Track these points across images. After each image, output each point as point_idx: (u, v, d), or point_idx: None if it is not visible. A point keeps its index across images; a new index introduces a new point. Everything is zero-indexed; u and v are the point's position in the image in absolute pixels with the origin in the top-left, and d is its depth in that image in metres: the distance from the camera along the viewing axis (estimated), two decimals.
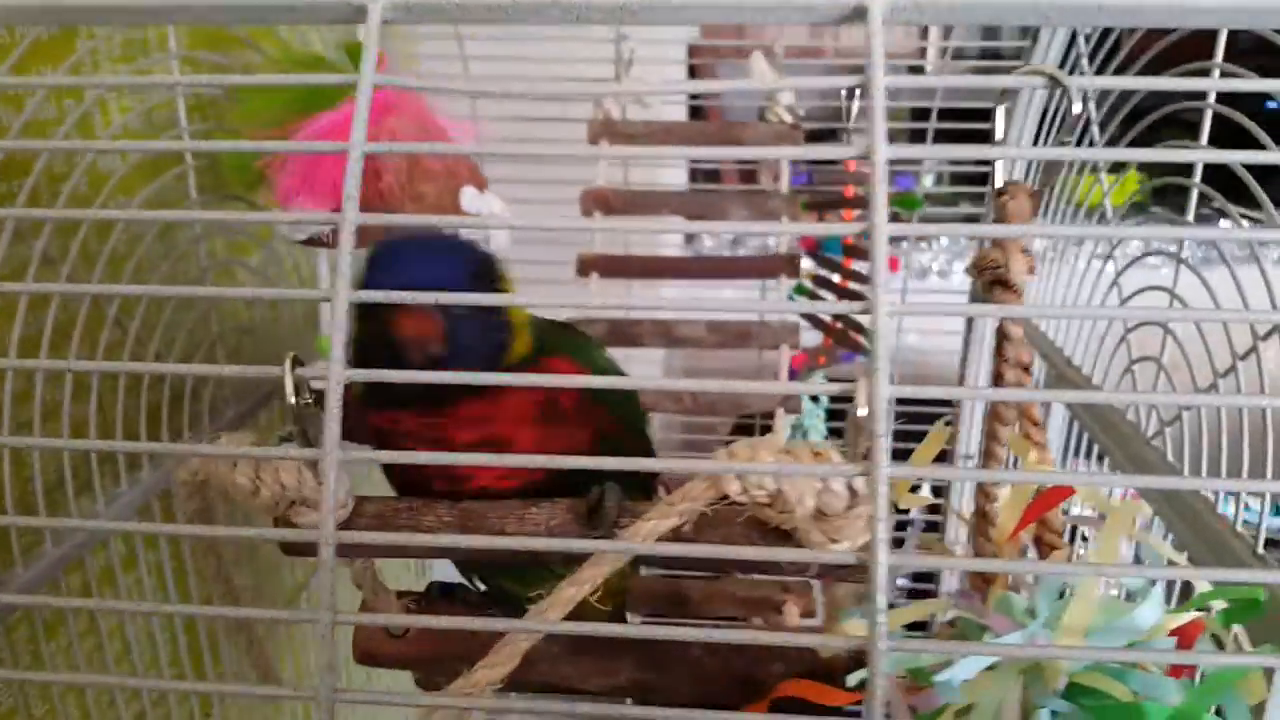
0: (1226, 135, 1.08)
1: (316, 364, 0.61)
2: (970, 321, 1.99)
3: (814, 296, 1.77)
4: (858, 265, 1.80)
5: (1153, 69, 1.27)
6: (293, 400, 0.57)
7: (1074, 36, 1.55)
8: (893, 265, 1.77)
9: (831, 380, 2.02)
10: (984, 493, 0.65)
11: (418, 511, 0.66)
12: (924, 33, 3.25)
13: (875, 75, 0.57)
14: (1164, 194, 1.36)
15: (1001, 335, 0.61)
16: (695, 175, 2.97)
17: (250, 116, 1.20)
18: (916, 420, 2.10)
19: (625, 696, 0.81)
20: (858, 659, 0.69)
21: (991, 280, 0.60)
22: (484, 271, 0.77)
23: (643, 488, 0.84)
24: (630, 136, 1.69)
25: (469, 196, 1.17)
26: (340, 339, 0.55)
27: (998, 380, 0.63)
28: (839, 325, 1.81)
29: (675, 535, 0.61)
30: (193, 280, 1.33)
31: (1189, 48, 1.19)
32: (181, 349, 1.29)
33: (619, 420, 0.83)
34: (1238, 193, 1.08)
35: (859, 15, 0.59)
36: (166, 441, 1.24)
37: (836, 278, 1.77)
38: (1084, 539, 0.81)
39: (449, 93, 0.61)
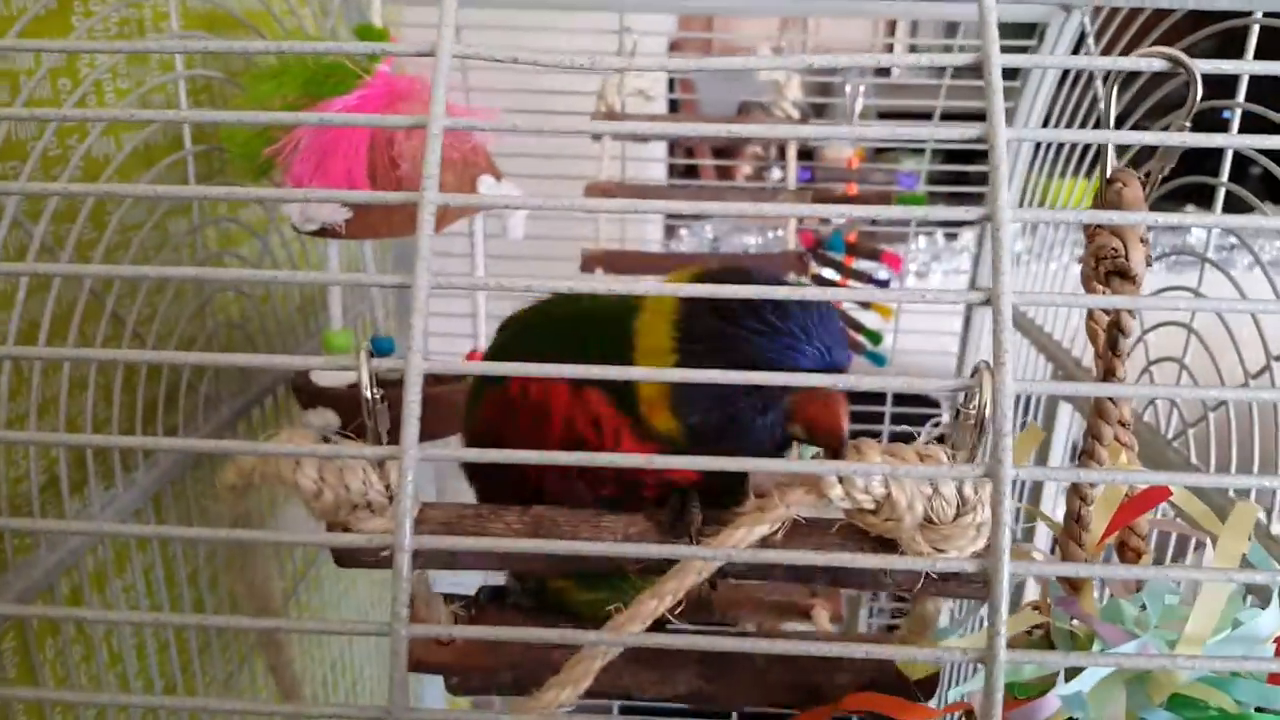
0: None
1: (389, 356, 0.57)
2: (968, 322, 1.97)
3: None
4: (860, 264, 1.78)
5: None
6: (369, 395, 0.52)
7: (1082, 37, 1.53)
8: (895, 264, 1.74)
9: None
10: (1079, 494, 0.62)
11: (485, 519, 0.62)
12: (891, 30, 3.25)
13: (992, 52, 0.53)
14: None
15: (1116, 329, 0.58)
16: (672, 171, 2.95)
17: (258, 102, 1.15)
18: (903, 422, 2.10)
19: (683, 704, 0.77)
20: (933, 676, 0.66)
21: (1110, 270, 0.57)
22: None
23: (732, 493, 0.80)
24: (633, 131, 1.65)
25: (487, 185, 1.13)
26: (421, 325, 0.51)
27: (1109, 376, 0.60)
28: None
29: (763, 544, 0.57)
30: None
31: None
32: (179, 343, 1.23)
33: None
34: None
35: None
36: (173, 435, 1.19)
37: (838, 277, 1.75)
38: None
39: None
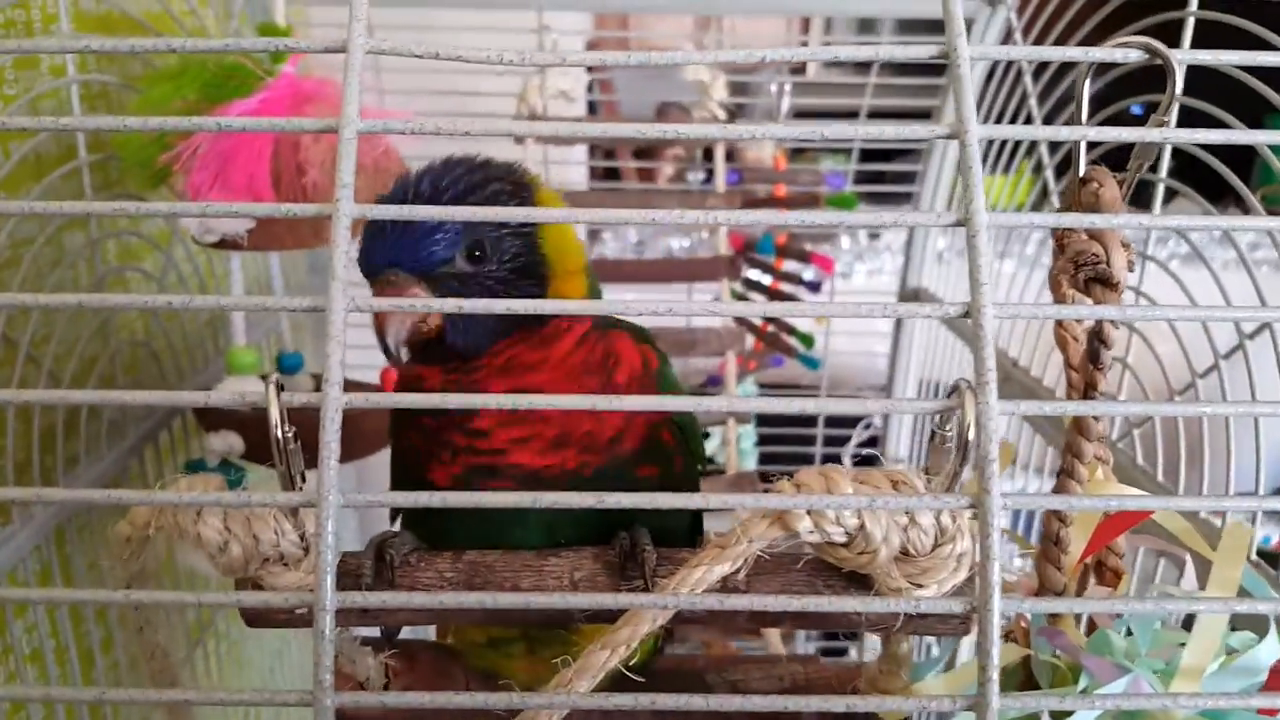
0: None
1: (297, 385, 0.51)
2: (899, 324, 1.95)
3: (742, 299, 1.70)
4: (789, 266, 1.74)
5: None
6: (279, 433, 0.46)
7: (1009, 32, 1.51)
8: (827, 266, 1.70)
9: (763, 387, 1.96)
10: (1057, 516, 0.58)
11: (415, 568, 0.56)
12: (805, 28, 3.25)
13: (960, 45, 0.49)
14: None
15: (1099, 340, 0.54)
16: (593, 174, 2.90)
17: (155, 106, 1.07)
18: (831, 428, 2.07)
19: None
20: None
21: (1091, 277, 0.53)
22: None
23: (689, 529, 0.75)
24: (555, 131, 1.60)
25: None
26: (338, 356, 0.45)
27: (1090, 390, 0.56)
28: (769, 328, 1.74)
29: (724, 584, 0.52)
30: (88, 288, 1.19)
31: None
32: (79, 364, 1.15)
33: (678, 433, 0.75)
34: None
35: None
36: (64, 467, 1.11)
37: (768, 279, 1.71)
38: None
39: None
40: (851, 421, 2.07)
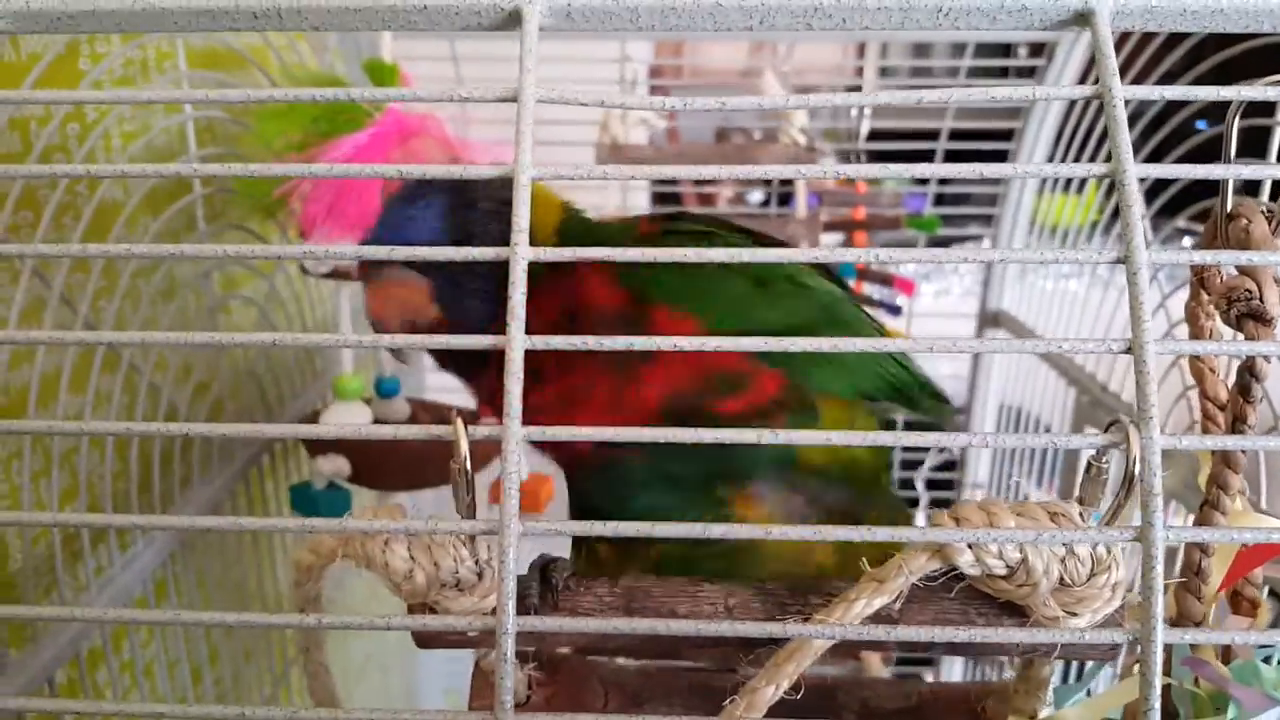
0: None
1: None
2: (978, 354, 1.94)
3: None
4: (870, 290, 1.75)
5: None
6: (466, 466, 0.48)
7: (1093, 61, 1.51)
8: (908, 288, 1.71)
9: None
10: (1199, 547, 0.59)
11: (575, 594, 0.57)
12: (860, 52, 3.24)
13: (1113, 85, 0.50)
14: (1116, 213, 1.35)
15: (1250, 373, 0.55)
16: (654, 200, 2.92)
17: (266, 140, 1.11)
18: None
19: None
20: None
21: (1243, 313, 0.54)
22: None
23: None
24: (639, 160, 1.63)
25: None
26: (517, 390, 0.47)
27: (1238, 423, 0.57)
28: None
29: (877, 614, 0.53)
30: (200, 315, 1.23)
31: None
32: (193, 390, 1.19)
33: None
34: None
35: (1083, 20, 0.53)
36: (188, 487, 1.14)
37: None
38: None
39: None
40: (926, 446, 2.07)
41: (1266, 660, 0.58)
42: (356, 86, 1.11)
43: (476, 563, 0.53)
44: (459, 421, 0.48)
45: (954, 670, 1.82)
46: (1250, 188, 0.64)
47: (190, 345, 0.59)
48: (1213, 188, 0.58)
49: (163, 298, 1.16)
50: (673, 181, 3.30)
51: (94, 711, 0.58)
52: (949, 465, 2.09)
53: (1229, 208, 0.56)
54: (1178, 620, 0.62)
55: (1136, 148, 1.43)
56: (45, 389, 0.93)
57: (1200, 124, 1.23)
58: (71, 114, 1.02)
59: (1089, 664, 0.70)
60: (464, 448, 0.48)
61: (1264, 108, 0.82)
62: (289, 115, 1.13)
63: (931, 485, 2.06)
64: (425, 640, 0.57)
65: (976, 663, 1.68)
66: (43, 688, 0.89)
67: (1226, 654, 0.61)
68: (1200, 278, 0.61)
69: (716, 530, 0.48)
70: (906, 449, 2.04)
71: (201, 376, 1.22)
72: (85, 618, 0.48)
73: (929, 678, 1.87)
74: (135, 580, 1.04)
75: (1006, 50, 1.87)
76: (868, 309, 1.70)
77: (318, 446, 1.23)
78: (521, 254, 0.49)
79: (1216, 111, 0.81)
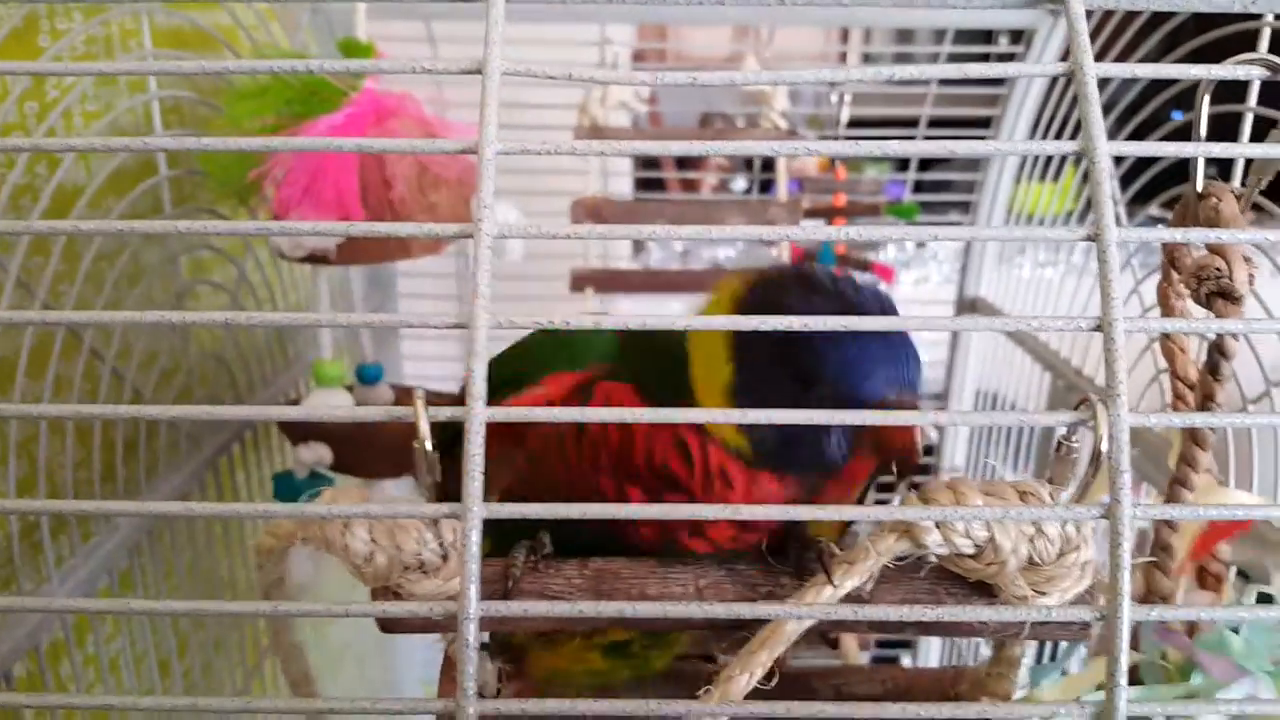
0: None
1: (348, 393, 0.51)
2: (956, 333, 1.94)
3: None
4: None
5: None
6: (429, 447, 0.47)
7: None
8: (887, 275, 1.71)
9: None
10: (1167, 523, 0.59)
11: (544, 575, 0.57)
12: (844, 37, 3.24)
13: (1085, 62, 0.50)
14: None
15: (1219, 352, 0.55)
16: (637, 186, 2.90)
17: (237, 122, 1.09)
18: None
19: None
20: None
21: (1212, 291, 0.54)
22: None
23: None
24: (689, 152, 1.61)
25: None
26: (481, 371, 0.46)
27: (1207, 401, 0.56)
28: None
29: (848, 596, 0.53)
30: (167, 301, 1.21)
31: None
32: (159, 377, 1.17)
33: None
34: None
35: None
36: (155, 477, 1.13)
37: None
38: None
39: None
40: None
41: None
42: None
43: (440, 545, 0.52)
44: (419, 401, 0.47)
45: (931, 656, 1.83)
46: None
47: (151, 325, 0.58)
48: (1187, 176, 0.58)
49: (127, 282, 1.14)
50: (655, 165, 3.30)
51: (49, 705, 0.56)
52: (927, 450, 2.09)
53: (1199, 187, 0.56)
54: (1146, 596, 0.62)
55: (1112, 135, 1.43)
56: (0, 375, 0.91)
57: (1175, 114, 1.24)
58: (30, 91, 1.00)
59: (1062, 645, 0.70)
60: (424, 427, 0.47)
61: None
62: (262, 96, 1.11)
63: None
64: (389, 625, 0.56)
65: (954, 647, 1.68)
66: None
67: (1191, 630, 0.61)
68: (1171, 259, 0.60)
69: (683, 511, 0.47)
70: None
71: (167, 363, 1.21)
72: (30, 607, 0.47)
73: (906, 662, 1.88)
74: (99, 571, 1.02)
75: (988, 37, 1.87)
76: None
77: (299, 435, 1.21)
78: (486, 230, 0.48)
79: (1191, 102, 0.81)
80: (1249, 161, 0.55)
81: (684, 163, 3.15)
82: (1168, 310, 0.61)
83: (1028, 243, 1.79)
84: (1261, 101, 0.89)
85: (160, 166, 1.18)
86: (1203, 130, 0.55)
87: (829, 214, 1.71)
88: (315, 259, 1.09)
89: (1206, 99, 0.54)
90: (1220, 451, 0.99)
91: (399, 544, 0.51)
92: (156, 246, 1.20)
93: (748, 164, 2.88)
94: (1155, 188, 1.28)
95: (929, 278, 3.20)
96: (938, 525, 0.50)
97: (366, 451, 1.19)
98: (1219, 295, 0.54)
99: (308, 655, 0.64)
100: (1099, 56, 1.42)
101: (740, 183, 3.40)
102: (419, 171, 1.08)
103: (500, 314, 0.48)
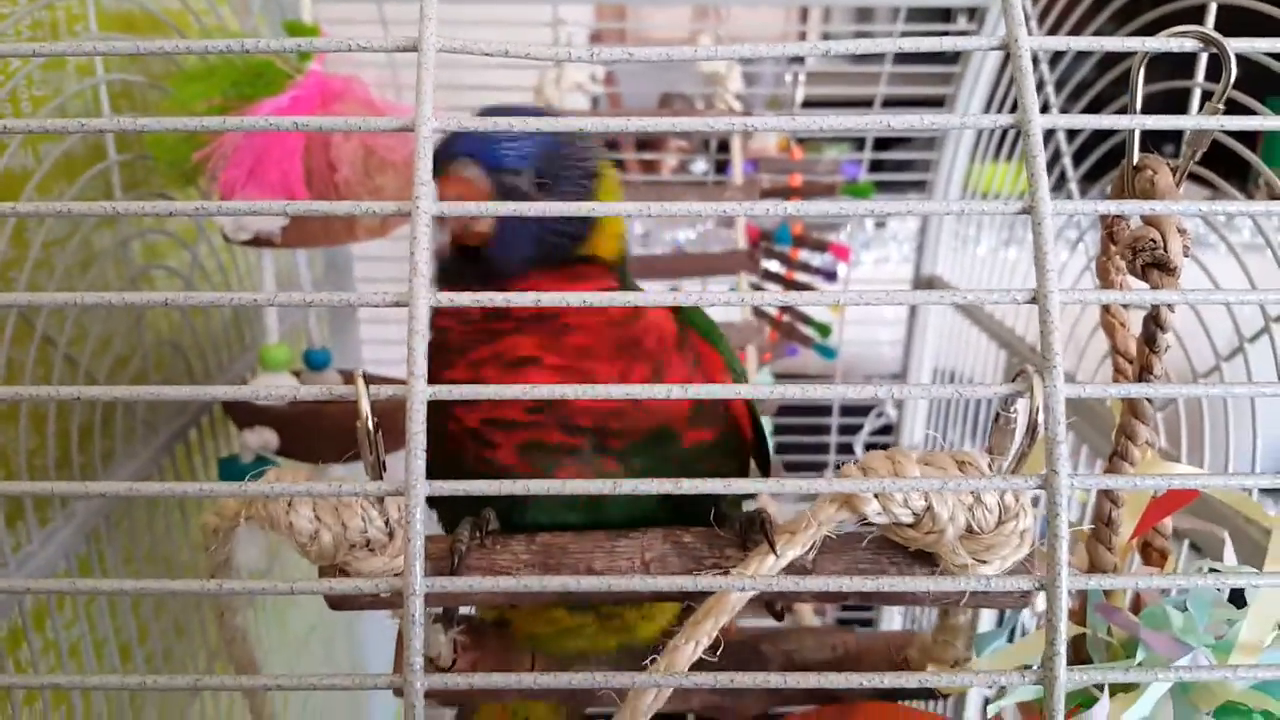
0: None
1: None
2: (914, 312, 1.96)
3: (756, 289, 1.71)
4: (806, 256, 1.76)
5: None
6: (370, 426, 0.47)
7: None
8: (843, 254, 1.72)
9: (777, 377, 1.97)
10: (1109, 497, 0.60)
11: (491, 550, 0.57)
12: (803, 17, 3.24)
13: (1019, 35, 0.50)
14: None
15: (1155, 324, 0.56)
16: None
17: (185, 104, 1.08)
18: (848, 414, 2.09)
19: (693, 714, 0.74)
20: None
21: (1148, 263, 0.55)
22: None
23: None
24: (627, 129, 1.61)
25: None
26: (421, 349, 0.46)
27: (1145, 373, 0.57)
28: (784, 318, 1.76)
29: (790, 566, 0.53)
30: (121, 287, 1.20)
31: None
32: (113, 362, 1.17)
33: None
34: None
35: None
36: (111, 463, 1.12)
37: (784, 269, 1.73)
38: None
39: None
40: (864, 409, 2.08)
41: (1178, 609, 0.59)
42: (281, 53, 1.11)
43: (386, 523, 0.52)
44: (360, 381, 0.47)
45: (895, 619, 1.85)
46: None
47: (93, 305, 0.57)
48: None
49: (79, 268, 1.13)
50: (615, 147, 3.29)
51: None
52: (886, 429, 2.11)
53: (1135, 160, 0.57)
54: (1090, 570, 0.63)
55: (1066, 111, 1.45)
56: None
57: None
58: None
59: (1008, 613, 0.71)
60: (365, 407, 0.47)
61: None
62: (209, 78, 1.11)
63: (869, 450, 2.08)
64: (337, 602, 0.56)
65: (914, 610, 1.70)
66: None
67: (1136, 605, 0.62)
68: (1110, 232, 0.61)
69: (626, 486, 0.48)
70: (845, 413, 2.07)
71: (122, 349, 1.20)
72: None
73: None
74: (57, 556, 1.02)
75: (946, 15, 1.88)
76: (803, 276, 1.70)
77: (245, 419, 1.21)
78: (424, 208, 0.48)
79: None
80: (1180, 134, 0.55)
81: (643, 144, 3.15)
82: (1107, 284, 0.62)
83: (970, 216, 1.80)
84: (1209, 77, 0.91)
85: (110, 151, 1.17)
86: (1138, 103, 0.56)
87: (786, 194, 1.72)
88: (260, 241, 1.08)
89: (1141, 72, 0.55)
90: (1173, 427, 1.01)
91: (344, 522, 0.51)
92: (108, 232, 1.19)
93: (707, 145, 2.89)
94: (1109, 164, 1.30)
95: (889, 258, 3.22)
96: (876, 495, 0.51)
97: (313, 436, 1.18)
98: (1154, 267, 0.54)
99: (251, 640, 0.64)
100: (1053, 32, 1.44)
101: (701, 164, 3.40)
102: (365, 154, 1.07)
103: (441, 293, 0.48)
